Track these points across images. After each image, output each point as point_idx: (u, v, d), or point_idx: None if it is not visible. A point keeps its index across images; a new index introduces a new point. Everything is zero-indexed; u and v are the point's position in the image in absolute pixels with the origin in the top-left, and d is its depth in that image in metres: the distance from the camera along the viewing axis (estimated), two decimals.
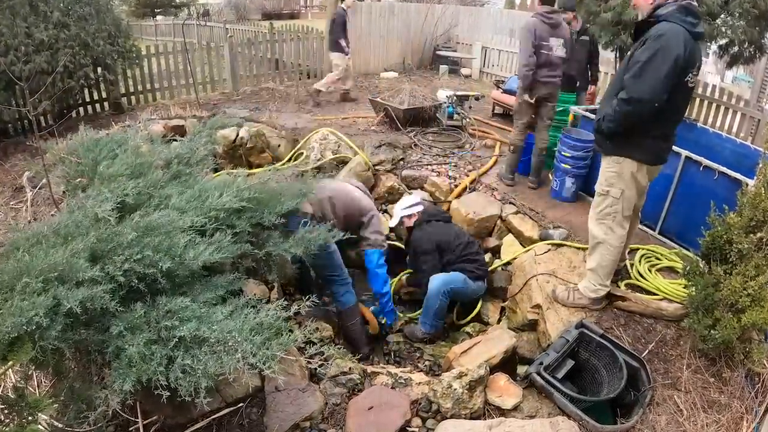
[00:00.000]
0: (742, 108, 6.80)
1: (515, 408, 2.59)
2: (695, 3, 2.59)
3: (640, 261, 3.62)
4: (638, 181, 2.86)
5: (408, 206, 3.99)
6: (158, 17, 18.98)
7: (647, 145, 2.77)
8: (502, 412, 2.59)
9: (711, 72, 13.49)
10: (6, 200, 4.18)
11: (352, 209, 3.62)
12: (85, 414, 1.93)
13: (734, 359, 2.70)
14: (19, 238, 2.17)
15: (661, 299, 3.27)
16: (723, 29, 5.68)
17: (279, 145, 5.29)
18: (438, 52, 11.00)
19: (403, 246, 4.40)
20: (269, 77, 8.86)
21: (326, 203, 3.44)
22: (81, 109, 6.61)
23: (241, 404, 2.45)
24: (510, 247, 4.30)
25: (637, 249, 3.81)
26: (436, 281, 3.66)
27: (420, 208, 4.03)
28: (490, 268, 4.27)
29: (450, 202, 4.86)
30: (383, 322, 3.88)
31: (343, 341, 3.58)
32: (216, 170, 4.15)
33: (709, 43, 6.03)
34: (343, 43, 7.44)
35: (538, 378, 2.65)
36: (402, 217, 3.98)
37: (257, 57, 8.86)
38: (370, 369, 2.87)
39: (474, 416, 2.52)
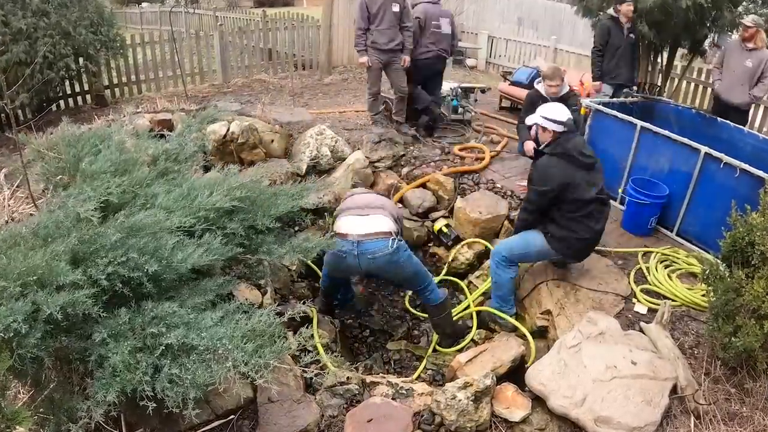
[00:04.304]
0: (766, 101, 6.80)
1: (524, 420, 2.59)
2: None
3: (656, 266, 3.62)
4: None
5: (553, 118, 3.31)
6: (144, 4, 18.98)
7: None
8: (510, 425, 2.59)
9: None
10: None
11: None
12: (66, 427, 1.93)
13: (757, 368, 2.70)
14: None
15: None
16: (745, 17, 5.68)
17: (272, 141, 5.29)
18: None
19: None
20: (262, 68, 8.86)
21: None
22: (62, 102, 6.61)
23: (232, 416, 2.45)
24: None
25: (652, 251, 3.81)
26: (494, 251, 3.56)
27: (562, 128, 3.32)
28: None
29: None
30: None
31: (340, 348, 3.58)
32: (206, 168, 4.14)
33: (730, 32, 6.03)
34: None
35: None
36: (538, 124, 3.39)
37: (249, 47, 8.85)
38: (369, 379, 2.87)
39: (480, 429, 2.53)
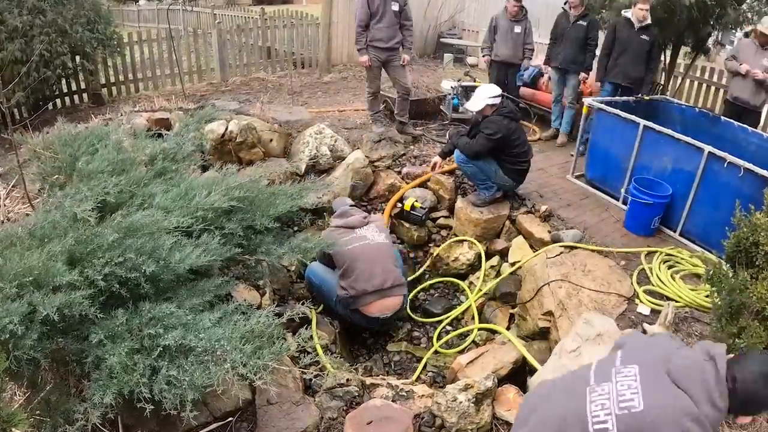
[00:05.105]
0: None
1: None
2: None
3: (659, 267, 3.63)
4: None
5: (495, 96, 4.40)
6: (141, 2, 18.99)
7: None
8: (511, 427, 2.59)
9: None
10: None
11: None
12: (62, 429, 1.93)
13: None
14: None
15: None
16: (749, 15, 5.69)
17: (271, 140, 5.29)
18: (442, 40, 10.98)
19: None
20: (260, 67, 8.85)
21: None
22: (58, 100, 6.60)
23: (230, 418, 2.45)
24: (520, 250, 4.30)
25: (656, 251, 3.81)
26: (456, 153, 4.52)
27: (500, 100, 4.46)
28: (500, 276, 4.28)
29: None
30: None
31: (339, 349, 3.59)
32: (204, 167, 4.14)
33: (734, 30, 6.04)
34: None
35: None
36: (487, 105, 4.36)
37: (247, 45, 8.85)
38: (369, 381, 2.87)
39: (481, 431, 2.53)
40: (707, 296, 3.21)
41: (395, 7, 5.25)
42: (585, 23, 5.46)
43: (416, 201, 4.81)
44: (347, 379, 2.75)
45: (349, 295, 3.66)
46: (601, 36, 5.65)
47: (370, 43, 5.31)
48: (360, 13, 5.28)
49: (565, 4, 5.76)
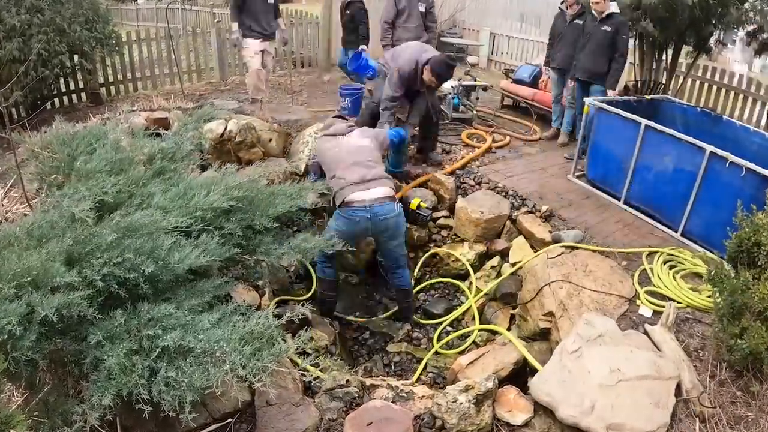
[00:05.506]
0: None
1: (526, 424, 2.59)
2: None
3: (661, 267, 3.63)
4: None
5: None
6: (140, 0, 18.98)
7: None
8: (512, 429, 2.59)
9: (738, 60, 13.43)
10: None
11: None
12: (61, 430, 1.93)
13: (763, 371, 2.70)
14: None
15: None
16: (751, 14, 5.69)
17: (271, 140, 5.29)
18: (442, 39, 10.98)
19: None
20: None
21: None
22: (56, 100, 6.60)
23: (229, 420, 2.45)
24: (520, 250, 4.30)
25: (657, 252, 3.81)
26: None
27: None
28: (500, 277, 4.28)
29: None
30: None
31: (339, 350, 3.59)
32: (203, 167, 4.14)
33: (735, 30, 6.04)
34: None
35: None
36: None
37: None
38: (369, 382, 2.87)
39: None
40: (709, 297, 3.21)
41: (422, 8, 5.32)
42: (581, 22, 5.47)
43: (422, 201, 4.79)
44: (347, 380, 2.75)
45: (336, 190, 3.78)
46: None
47: (396, 42, 5.34)
48: (387, 10, 5.32)
49: (561, 3, 5.77)
